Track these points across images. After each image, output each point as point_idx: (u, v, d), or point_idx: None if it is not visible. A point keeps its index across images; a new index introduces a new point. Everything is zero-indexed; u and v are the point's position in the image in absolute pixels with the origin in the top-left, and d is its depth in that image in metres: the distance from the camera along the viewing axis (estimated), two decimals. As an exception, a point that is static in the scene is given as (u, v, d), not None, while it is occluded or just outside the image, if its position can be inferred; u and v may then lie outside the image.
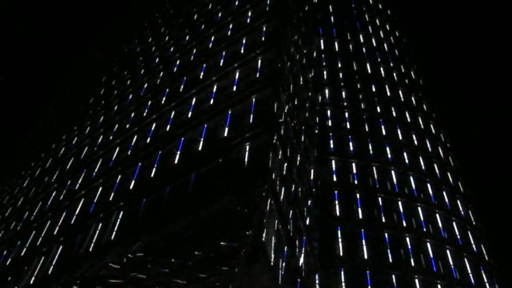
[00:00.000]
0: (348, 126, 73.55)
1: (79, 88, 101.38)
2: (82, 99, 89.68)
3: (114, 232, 41.76)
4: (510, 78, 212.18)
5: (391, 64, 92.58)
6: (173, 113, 51.23)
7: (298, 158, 49.91)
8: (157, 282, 33.98)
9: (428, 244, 60.28)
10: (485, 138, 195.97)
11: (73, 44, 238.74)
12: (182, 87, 54.40)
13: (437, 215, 65.13)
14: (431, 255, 59.11)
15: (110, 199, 47.06)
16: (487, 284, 60.90)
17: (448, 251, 60.88)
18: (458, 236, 64.32)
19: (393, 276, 55.41)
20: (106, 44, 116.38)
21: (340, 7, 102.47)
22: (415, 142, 76.31)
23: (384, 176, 67.16)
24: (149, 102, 58.03)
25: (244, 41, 52.07)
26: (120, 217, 43.11)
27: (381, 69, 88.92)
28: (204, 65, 54.36)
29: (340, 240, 58.10)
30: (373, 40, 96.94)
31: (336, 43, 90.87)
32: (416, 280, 55.80)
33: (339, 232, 58.70)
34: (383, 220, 61.15)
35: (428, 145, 77.84)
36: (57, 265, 45.94)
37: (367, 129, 73.72)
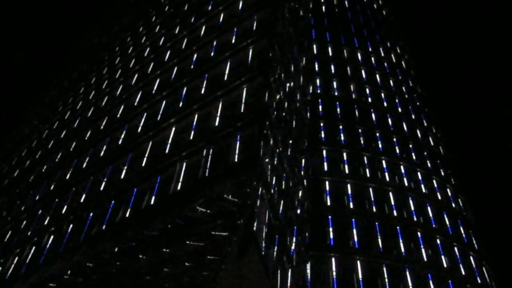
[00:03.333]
0: (339, 116, 73.52)
1: (70, 77, 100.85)
2: (73, 87, 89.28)
3: (105, 222, 41.80)
4: (500, 69, 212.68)
5: (382, 54, 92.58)
6: (164, 102, 51.17)
7: (289, 148, 49.96)
8: (148, 271, 34.05)
9: (419, 234, 60.49)
10: (477, 130, 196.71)
11: (66, 31, 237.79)
12: (173, 76, 54.31)
13: (428, 205, 65.35)
14: (422, 245, 59.32)
15: (101, 188, 47.09)
16: (476, 273, 61.21)
17: (438, 241, 61.13)
18: (448, 226, 64.57)
19: (384, 266, 55.59)
20: (98, 33, 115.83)
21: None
22: (406, 132, 76.42)
23: (375, 165, 67.26)
24: (140, 92, 57.93)
25: (235, 31, 52.00)
26: (111, 206, 43.15)
27: (372, 58, 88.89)
28: (195, 55, 54.28)
29: (331, 229, 58.19)
30: (365, 30, 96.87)
31: (327, 33, 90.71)
32: (407, 269, 56.01)
33: (330, 221, 58.81)
34: (374, 209, 61.27)
35: (419, 135, 77.99)
36: (48, 254, 45.93)
37: (357, 119, 73.73)
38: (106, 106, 63.39)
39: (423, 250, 58.84)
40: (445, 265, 58.85)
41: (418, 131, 78.62)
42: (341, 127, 71.24)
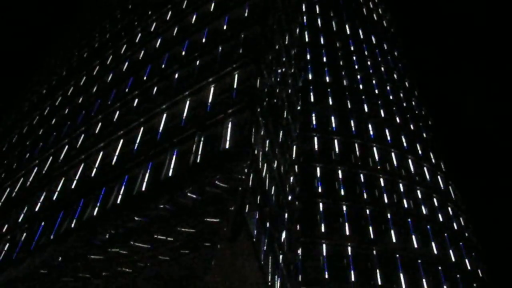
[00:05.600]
0: (331, 103, 73.62)
1: (59, 64, 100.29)
2: (65, 74, 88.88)
3: (96, 209, 41.75)
4: (491, 59, 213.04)
5: (374, 42, 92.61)
6: (155, 89, 51.05)
7: (281, 135, 49.98)
8: (139, 258, 34.04)
9: (409, 220, 60.75)
10: (468, 118, 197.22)
11: (54, 21, 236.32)
12: (164, 63, 54.14)
13: (418, 192, 65.59)
14: (412, 231, 59.59)
15: (92, 175, 46.99)
16: (466, 260, 61.58)
17: (428, 228, 61.42)
18: (439, 213, 64.87)
19: (374, 252, 55.87)
20: (88, 19, 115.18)
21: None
22: (397, 119, 76.58)
23: (366, 152, 67.42)
24: (131, 78, 57.72)
25: (227, 17, 51.83)
26: (102, 193, 43.07)
27: (364, 46, 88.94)
28: (187, 41, 54.11)
29: (321, 216, 58.38)
30: (356, 17, 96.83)
31: (319, 20, 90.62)
32: (397, 256, 56.30)
33: (321, 208, 58.98)
34: (365, 196, 61.48)
35: (410, 123, 78.18)
36: (39, 241, 45.85)
37: (349, 106, 73.82)
38: (97, 92, 63.16)
39: (413, 236, 59.14)
40: (435, 252, 59.18)
41: (409, 118, 78.81)
42: (332, 114, 71.36)
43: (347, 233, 57.31)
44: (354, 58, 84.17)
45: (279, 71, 54.31)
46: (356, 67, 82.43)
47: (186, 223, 33.47)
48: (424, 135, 78.84)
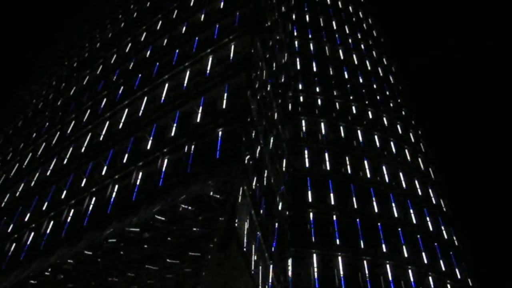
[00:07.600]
0: (321, 113, 73.61)
1: (49, 73, 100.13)
2: (55, 83, 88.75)
3: (86, 219, 41.60)
4: (482, 63, 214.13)
5: (364, 51, 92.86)
6: (145, 98, 50.99)
7: (271, 144, 49.99)
8: (128, 268, 33.91)
9: (400, 231, 60.75)
10: (458, 123, 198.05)
11: (43, 32, 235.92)
12: (154, 72, 54.13)
13: (409, 203, 65.60)
14: (403, 241, 59.60)
15: (82, 185, 46.83)
16: (456, 270, 61.64)
17: (419, 238, 61.44)
18: (430, 224, 64.92)
19: (365, 261, 55.84)
20: (78, 29, 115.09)
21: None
22: (386, 124, 76.80)
23: (356, 163, 67.39)
24: (122, 88, 57.66)
25: (217, 27, 51.90)
26: (92, 203, 42.96)
27: (354, 56, 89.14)
28: (177, 51, 54.10)
29: (312, 225, 58.30)
30: (346, 27, 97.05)
31: (309, 30, 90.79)
32: (387, 265, 56.27)
33: (311, 217, 58.90)
34: (355, 206, 61.42)
35: (400, 130, 78.34)
36: (28, 252, 45.66)
37: (339, 116, 73.86)
38: (87, 101, 63.05)
39: (404, 246, 59.12)
40: (425, 261, 59.21)
41: (398, 127, 78.96)
42: (322, 124, 71.37)
43: (338, 243, 57.20)
44: (344, 67, 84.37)
45: (270, 80, 54.39)
46: (346, 76, 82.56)
47: (176, 233, 33.37)
48: (414, 143, 78.93)
